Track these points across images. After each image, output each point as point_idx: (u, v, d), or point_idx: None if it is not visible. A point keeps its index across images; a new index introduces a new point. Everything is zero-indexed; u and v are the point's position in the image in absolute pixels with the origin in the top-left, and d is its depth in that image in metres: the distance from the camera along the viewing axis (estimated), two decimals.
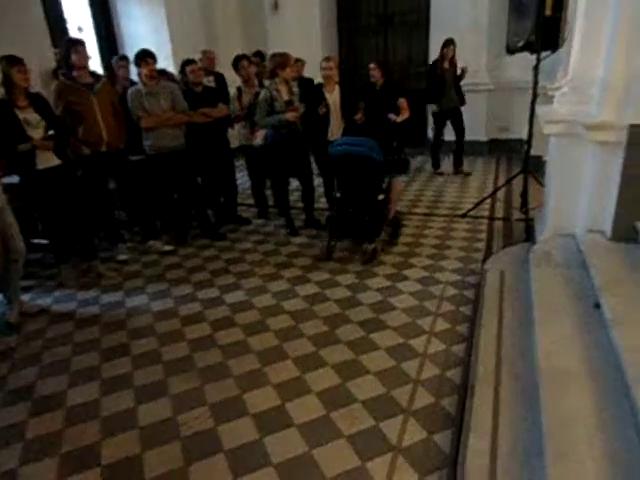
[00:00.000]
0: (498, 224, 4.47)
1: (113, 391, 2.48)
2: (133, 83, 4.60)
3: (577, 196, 3.12)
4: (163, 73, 4.65)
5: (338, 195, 3.92)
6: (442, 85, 5.94)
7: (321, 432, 2.13)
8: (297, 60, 5.78)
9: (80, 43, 3.79)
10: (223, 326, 3.04)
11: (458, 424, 2.10)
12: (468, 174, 6.31)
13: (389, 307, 3.14)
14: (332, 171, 3.94)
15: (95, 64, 6.20)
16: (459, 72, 6.05)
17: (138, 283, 3.74)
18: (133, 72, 4.54)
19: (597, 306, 2.32)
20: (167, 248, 4.30)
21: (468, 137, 6.41)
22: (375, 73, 4.19)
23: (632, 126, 2.57)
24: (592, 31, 2.93)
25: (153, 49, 4.19)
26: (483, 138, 7.28)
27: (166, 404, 2.35)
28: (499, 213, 4.73)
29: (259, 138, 4.51)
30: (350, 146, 3.66)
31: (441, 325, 2.91)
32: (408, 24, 7.75)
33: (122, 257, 4.14)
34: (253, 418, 2.23)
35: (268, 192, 5.24)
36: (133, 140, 4.13)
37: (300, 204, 4.88)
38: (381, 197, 3.80)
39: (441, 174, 6.45)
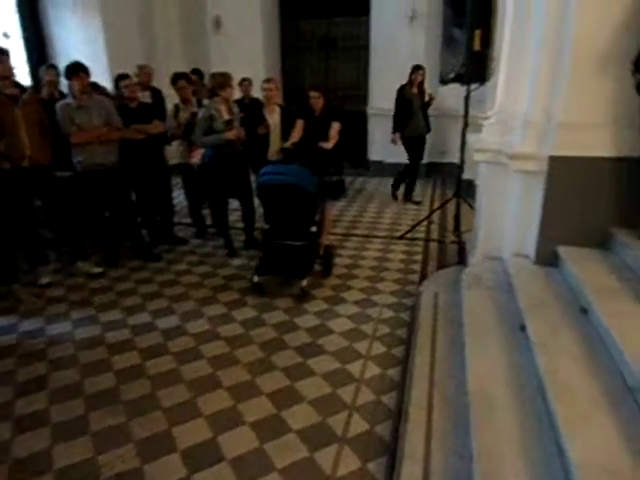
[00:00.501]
0: (433, 246, 4.61)
1: (27, 430, 2.28)
2: (62, 95, 4.38)
3: (504, 221, 3.27)
4: (95, 87, 4.47)
5: (266, 227, 3.72)
6: (409, 110, 5.86)
7: (254, 466, 2.06)
8: (244, 80, 5.77)
9: (4, 52, 3.57)
10: (154, 354, 2.90)
11: (392, 451, 2.10)
12: (419, 202, 6.19)
13: (326, 331, 3.12)
14: (260, 201, 3.75)
15: (22, 74, 5.87)
16: (427, 98, 6.03)
17: (61, 309, 3.49)
18: (63, 83, 4.32)
19: (522, 328, 2.42)
20: (96, 270, 4.08)
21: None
22: (317, 102, 4.19)
23: (551, 157, 2.74)
24: (515, 68, 3.11)
25: (87, 60, 4.03)
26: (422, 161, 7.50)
27: (86, 443, 2.19)
28: (434, 235, 4.89)
29: (196, 157, 4.41)
30: (278, 175, 3.50)
31: (377, 349, 2.93)
32: (350, 49, 7.97)
33: (44, 280, 3.86)
34: (182, 454, 2.12)
35: (207, 211, 5.12)
36: (61, 155, 3.92)
37: (240, 224, 4.81)
38: (314, 229, 3.65)
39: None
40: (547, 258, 2.91)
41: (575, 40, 2.55)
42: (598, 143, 2.64)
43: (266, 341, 3.02)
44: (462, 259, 3.96)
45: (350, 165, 7.67)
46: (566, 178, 2.73)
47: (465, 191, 4.79)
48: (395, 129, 6.01)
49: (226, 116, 4.21)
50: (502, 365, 2.26)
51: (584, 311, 2.31)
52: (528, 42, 2.95)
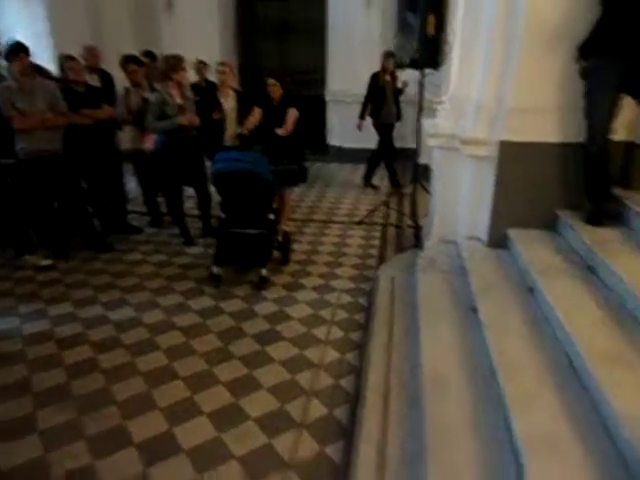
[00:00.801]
0: (391, 231, 4.67)
1: None
2: (1, 77, 4.12)
3: (458, 205, 3.33)
4: (39, 70, 4.23)
5: (223, 216, 3.61)
6: (382, 97, 5.79)
7: (211, 455, 2.04)
8: (200, 62, 5.60)
9: None
10: (107, 347, 2.81)
11: (350, 434, 2.13)
12: (377, 187, 6.24)
13: (285, 317, 3.12)
14: (216, 189, 3.65)
15: None
16: (400, 85, 5.94)
17: (8, 303, 3.33)
18: (3, 65, 4.06)
19: (474, 310, 2.48)
20: (45, 262, 3.90)
21: (365, 145, 6.60)
22: (275, 90, 4.09)
23: (502, 142, 2.80)
24: (468, 53, 3.14)
25: (30, 42, 3.78)
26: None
27: (35, 441, 2.11)
28: (392, 220, 4.94)
29: (149, 143, 4.27)
30: (234, 162, 3.41)
31: (336, 333, 2.95)
32: (307, 32, 7.86)
33: None
34: (137, 448, 2.08)
35: (162, 199, 4.97)
36: (2, 141, 3.69)
37: (196, 211, 4.70)
38: (272, 217, 3.60)
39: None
40: (498, 240, 2.99)
41: (526, 24, 2.60)
42: (546, 129, 2.71)
43: (223, 330, 2.99)
44: (418, 243, 4.02)
45: (309, 151, 7.63)
46: (515, 163, 2.80)
47: (422, 176, 4.86)
48: (363, 115, 5.94)
49: (179, 100, 4.08)
50: (456, 347, 2.32)
51: (531, 290, 2.39)
52: (480, 26, 2.98)
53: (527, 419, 1.65)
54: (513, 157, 2.79)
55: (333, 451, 2.08)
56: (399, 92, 6.01)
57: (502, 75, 2.82)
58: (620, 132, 2.63)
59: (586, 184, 2.65)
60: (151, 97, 4.13)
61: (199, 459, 2.02)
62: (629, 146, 2.72)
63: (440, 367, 2.17)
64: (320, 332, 2.95)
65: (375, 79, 5.85)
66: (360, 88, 6.05)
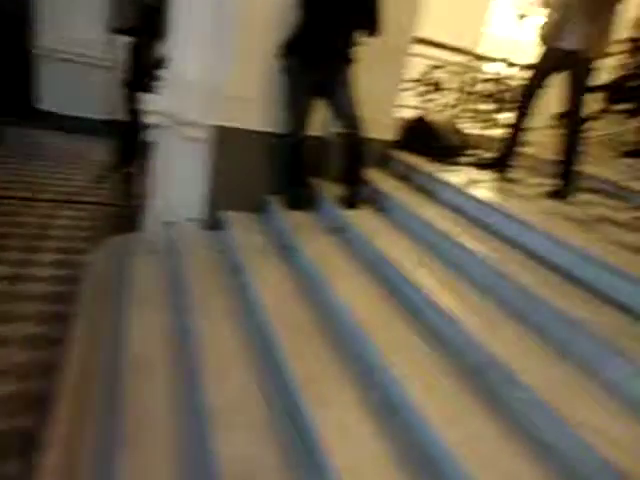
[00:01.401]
0: (108, 211, 4.29)
1: None
2: None
3: (177, 186, 3.27)
4: None
5: None
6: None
7: None
8: None
9: None
10: None
11: (37, 442, 1.86)
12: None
13: None
14: None
15: None
16: (160, 58, 5.15)
17: None
18: None
19: (184, 292, 2.48)
20: None
21: (82, 114, 5.92)
22: None
23: (215, 127, 2.86)
24: (186, 32, 3.08)
25: None
26: (100, 117, 6.76)
27: None
28: (110, 199, 4.55)
29: None
30: None
31: (29, 330, 2.53)
32: None
33: None
34: None
35: None
36: None
37: None
38: None
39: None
40: (214, 223, 3.07)
41: (236, 13, 2.69)
42: (253, 117, 2.90)
43: None
44: (138, 225, 3.81)
45: (10, 114, 6.34)
46: (228, 147, 2.92)
47: (145, 153, 4.60)
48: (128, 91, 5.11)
49: None
50: (162, 330, 2.28)
51: (237, 271, 2.53)
52: (197, 4, 2.95)
53: (219, 389, 1.74)
54: (225, 142, 2.90)
55: (16, 466, 1.78)
56: (159, 65, 5.41)
57: (215, 60, 2.87)
58: (315, 128, 3.01)
59: (286, 172, 2.95)
60: None
61: None
62: (321, 141, 3.14)
63: (145, 351, 2.11)
64: (6, 332, 2.48)
65: (137, 50, 5.12)
66: (84, 47, 5.42)
